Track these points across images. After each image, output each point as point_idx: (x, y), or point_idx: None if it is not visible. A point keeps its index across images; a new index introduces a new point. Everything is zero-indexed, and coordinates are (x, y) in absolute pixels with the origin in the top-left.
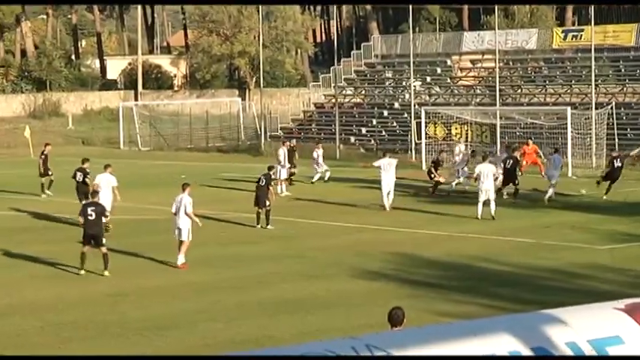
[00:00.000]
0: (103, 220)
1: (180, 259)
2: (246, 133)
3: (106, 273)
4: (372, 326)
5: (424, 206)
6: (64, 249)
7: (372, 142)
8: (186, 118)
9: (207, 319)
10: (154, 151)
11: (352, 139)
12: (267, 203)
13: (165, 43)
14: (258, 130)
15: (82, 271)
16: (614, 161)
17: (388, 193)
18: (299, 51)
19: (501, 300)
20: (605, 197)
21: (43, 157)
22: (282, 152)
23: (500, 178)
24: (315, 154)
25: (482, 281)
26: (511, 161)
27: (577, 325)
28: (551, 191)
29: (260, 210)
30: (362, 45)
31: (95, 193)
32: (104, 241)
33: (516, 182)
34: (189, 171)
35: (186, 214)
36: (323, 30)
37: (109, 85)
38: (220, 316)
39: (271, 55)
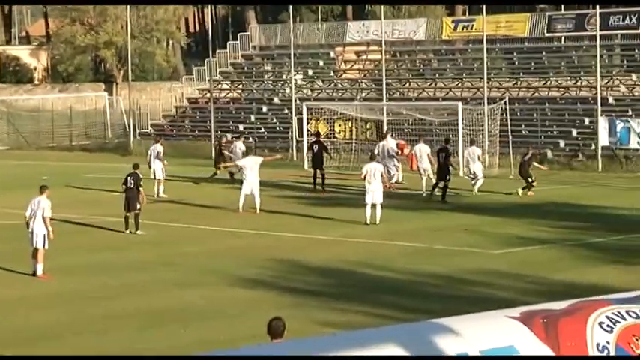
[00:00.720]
0: None
1: (40, 269)
2: (113, 130)
3: None
4: (252, 337)
5: (306, 209)
6: None
7: (251, 139)
8: (48, 114)
9: (72, 332)
10: (12, 151)
11: (229, 136)
12: (138, 206)
13: (24, 33)
14: (127, 127)
15: None
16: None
17: (252, 195)
18: (170, 42)
19: (388, 308)
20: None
21: None
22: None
23: (430, 172)
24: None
25: (368, 289)
26: (444, 154)
27: (469, 334)
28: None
29: (129, 214)
30: (239, 35)
31: None
32: None
33: (447, 178)
34: (52, 171)
35: (43, 219)
36: (196, 19)
37: None
38: (86, 328)
39: (140, 46)
